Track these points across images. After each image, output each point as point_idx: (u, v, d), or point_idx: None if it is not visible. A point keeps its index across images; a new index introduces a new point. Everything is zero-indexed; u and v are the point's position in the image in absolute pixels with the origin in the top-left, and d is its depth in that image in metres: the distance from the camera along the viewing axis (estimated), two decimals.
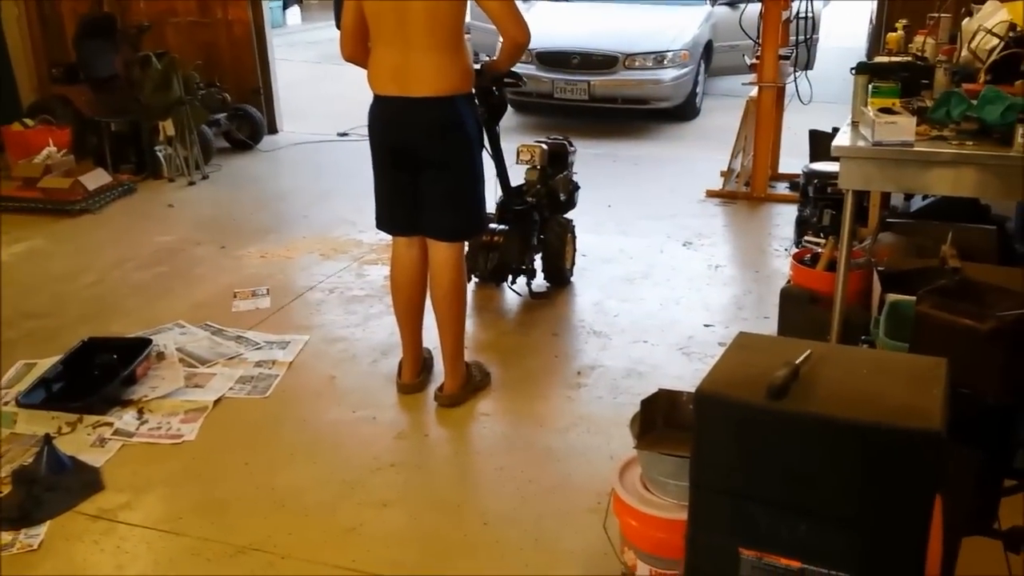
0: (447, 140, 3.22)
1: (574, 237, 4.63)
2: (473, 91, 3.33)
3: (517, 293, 4.43)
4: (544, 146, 4.45)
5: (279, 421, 3.42)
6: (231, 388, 3.62)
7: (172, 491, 3.01)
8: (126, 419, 3.40)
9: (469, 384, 3.53)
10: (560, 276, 4.52)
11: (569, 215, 4.65)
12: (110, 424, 3.36)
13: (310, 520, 2.82)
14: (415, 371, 3.60)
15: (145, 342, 3.82)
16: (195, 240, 5.41)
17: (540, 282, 4.52)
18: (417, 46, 3.11)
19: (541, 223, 4.43)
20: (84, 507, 2.91)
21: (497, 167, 4.21)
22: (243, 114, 7.55)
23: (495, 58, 3.63)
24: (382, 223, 3.49)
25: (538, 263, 4.51)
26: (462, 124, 3.24)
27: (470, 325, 3.95)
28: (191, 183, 6.63)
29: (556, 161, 4.54)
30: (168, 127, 6.56)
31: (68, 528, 2.81)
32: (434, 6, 3.10)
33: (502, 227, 4.30)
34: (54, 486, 2.94)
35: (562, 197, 4.56)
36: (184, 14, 7.72)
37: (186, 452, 3.22)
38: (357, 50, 3.28)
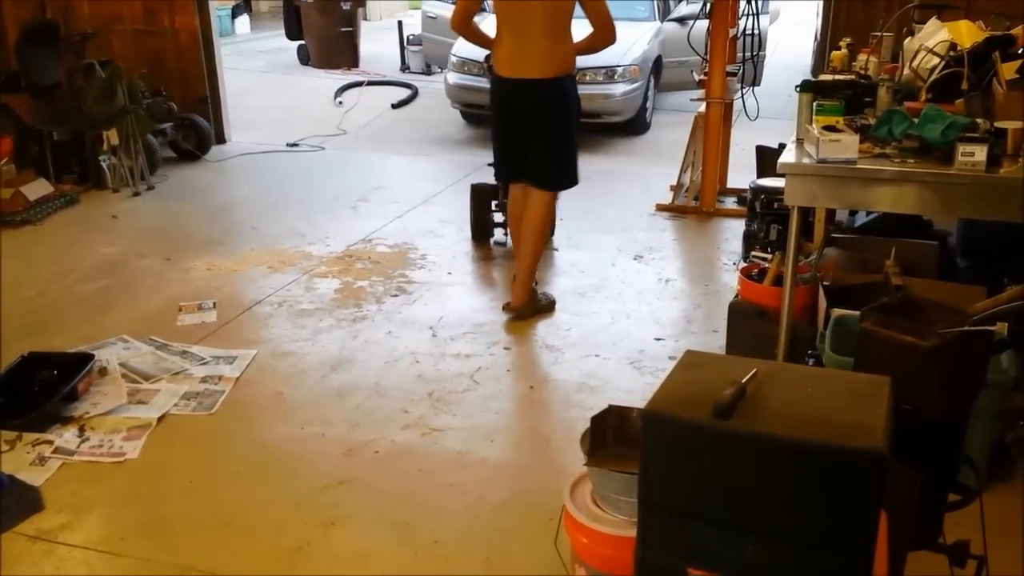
0: (553, 112, 4.08)
1: None
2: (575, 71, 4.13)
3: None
4: None
5: (225, 438, 3.36)
6: (176, 404, 3.56)
7: (114, 511, 2.94)
8: (67, 437, 3.32)
9: (533, 303, 4.33)
10: None
11: None
12: (50, 442, 3.28)
13: (256, 539, 2.77)
14: (523, 292, 4.32)
15: (87, 357, 3.73)
16: (140, 252, 5.31)
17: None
18: (535, 36, 3.94)
19: None
20: (23, 528, 2.83)
21: None
22: (190, 123, 7.45)
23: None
24: (501, 176, 4.47)
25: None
26: (566, 99, 4.10)
27: (425, 351, 3.92)
28: (136, 194, 6.51)
29: None
30: (112, 136, 6.44)
31: (6, 550, 2.73)
32: (552, 6, 3.92)
33: None
34: None
35: None
36: (129, 21, 7.58)
37: (129, 470, 3.15)
38: (465, 25, 4.19)
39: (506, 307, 4.33)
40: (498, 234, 5.45)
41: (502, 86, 4.12)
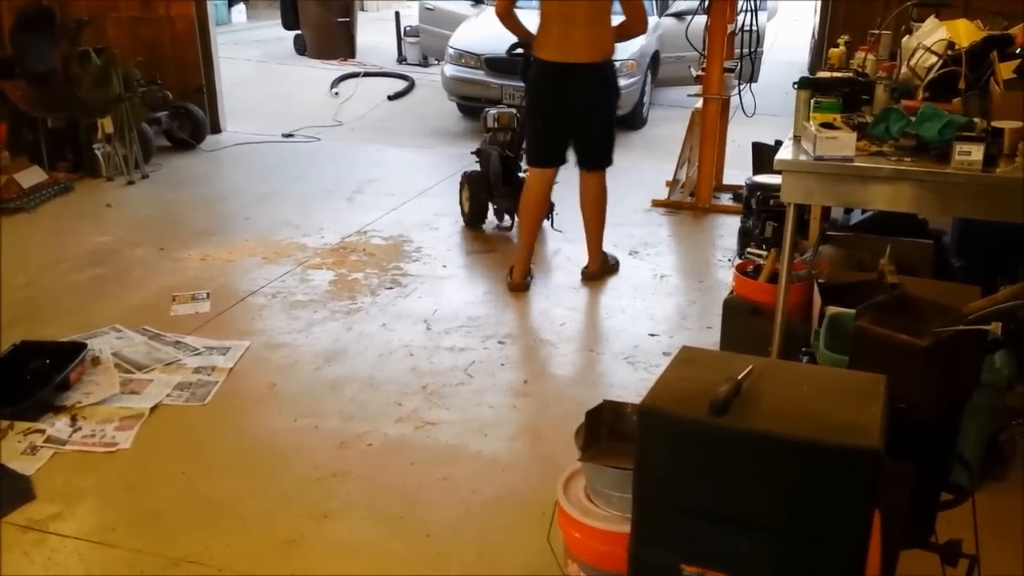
0: (601, 94, 4.42)
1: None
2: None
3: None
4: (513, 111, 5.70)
5: (218, 429, 3.35)
6: (168, 395, 3.55)
7: (106, 501, 2.93)
8: (59, 426, 3.30)
9: (605, 266, 4.81)
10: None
11: None
12: (42, 431, 3.27)
13: (248, 532, 2.77)
14: (524, 273, 4.64)
15: (79, 346, 3.72)
16: (133, 241, 5.29)
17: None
18: (581, 23, 4.23)
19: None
20: (14, 517, 2.82)
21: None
22: (185, 112, 7.42)
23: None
24: (535, 160, 4.60)
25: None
26: (611, 81, 4.46)
27: (420, 344, 3.91)
28: (130, 182, 6.49)
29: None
30: (107, 124, 6.41)
31: None
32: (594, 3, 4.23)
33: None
34: None
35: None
36: (125, 9, 7.55)
37: (121, 461, 3.14)
38: (510, 11, 4.43)
39: (584, 272, 4.78)
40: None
41: (549, 71, 4.34)
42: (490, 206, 5.58)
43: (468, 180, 5.61)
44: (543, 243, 5.26)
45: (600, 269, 4.79)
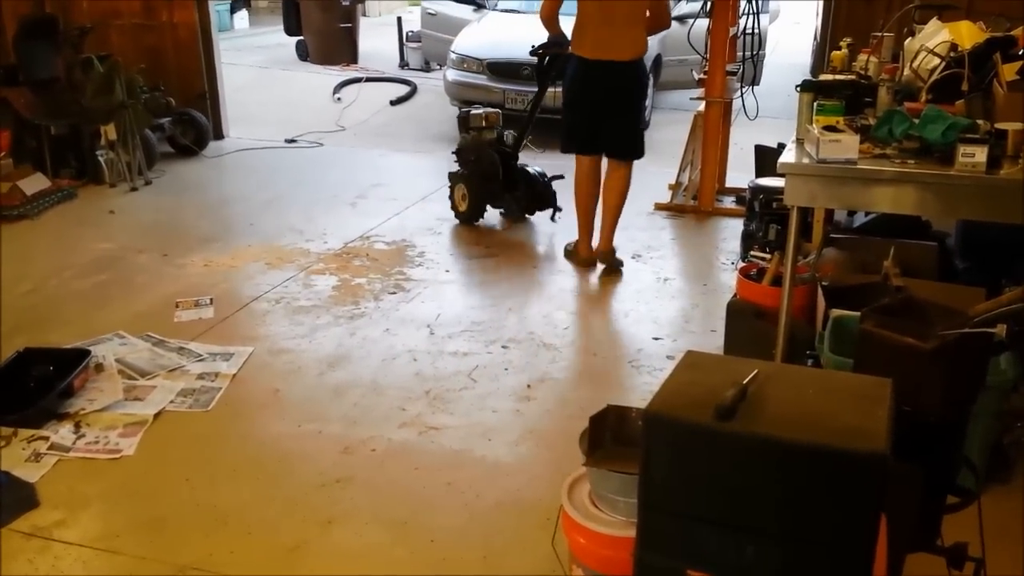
0: (635, 89, 4.79)
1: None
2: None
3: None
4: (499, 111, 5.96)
5: (222, 436, 3.35)
6: (172, 401, 3.54)
7: (109, 508, 2.93)
8: (62, 433, 3.30)
9: (616, 256, 4.97)
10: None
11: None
12: (46, 438, 3.27)
13: (252, 538, 2.76)
14: (590, 246, 4.98)
15: (83, 353, 3.72)
16: (137, 248, 5.29)
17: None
18: (619, 23, 4.58)
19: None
20: (18, 524, 2.82)
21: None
22: (188, 119, 7.42)
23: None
24: (581, 147, 4.91)
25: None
26: (644, 78, 4.88)
27: (423, 349, 3.91)
28: (133, 189, 6.49)
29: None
30: (110, 131, 6.42)
31: (1, 546, 2.72)
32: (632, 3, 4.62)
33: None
34: None
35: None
36: (128, 16, 7.55)
37: (124, 467, 3.14)
38: (555, 14, 4.81)
39: (595, 252, 5.00)
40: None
41: (590, 68, 4.68)
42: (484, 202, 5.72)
43: (464, 179, 5.68)
44: (548, 246, 5.27)
45: (612, 251, 4.96)
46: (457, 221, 5.74)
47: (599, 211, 4.99)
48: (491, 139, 5.71)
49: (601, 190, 4.96)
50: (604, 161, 4.98)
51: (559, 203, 5.65)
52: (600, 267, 4.97)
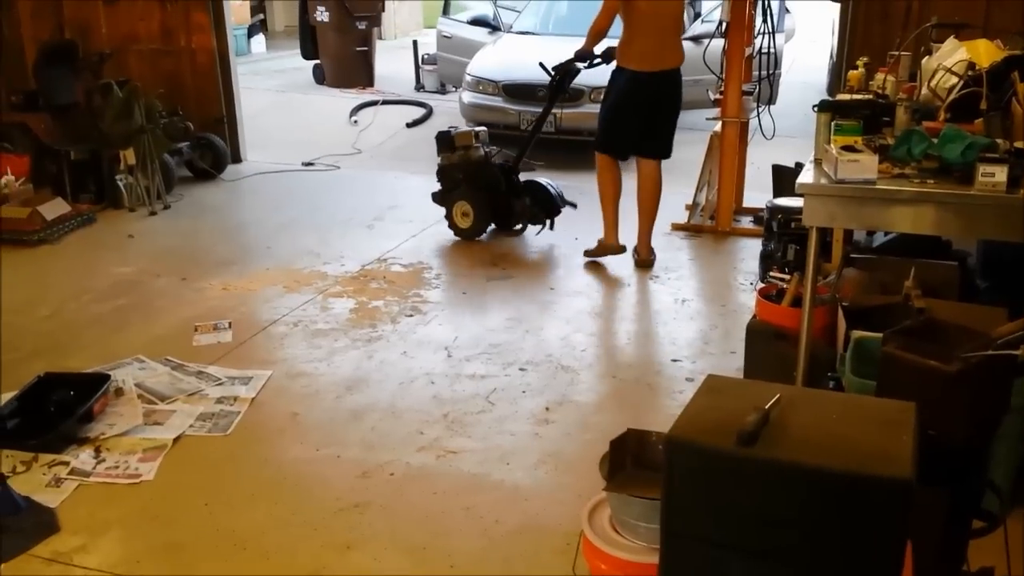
0: (678, 94, 5.15)
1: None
2: None
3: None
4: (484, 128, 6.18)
5: (240, 460, 3.35)
6: (191, 425, 3.55)
7: (129, 533, 2.93)
8: (82, 458, 3.31)
9: (654, 254, 5.36)
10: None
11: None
12: (66, 463, 3.28)
13: (271, 563, 2.76)
14: (616, 236, 5.35)
15: (103, 377, 3.73)
16: (155, 272, 5.33)
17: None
18: (666, 34, 5.00)
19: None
20: (38, 550, 2.83)
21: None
22: (206, 143, 7.47)
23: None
24: (615, 150, 5.27)
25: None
26: (681, 84, 5.17)
27: (441, 372, 3.90)
28: (152, 213, 6.54)
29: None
30: (129, 156, 6.47)
31: (22, 572, 2.73)
32: (674, 6, 5.03)
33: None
34: (7, 528, 2.87)
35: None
36: (147, 42, 7.63)
37: (144, 492, 3.14)
38: (606, 30, 5.04)
39: (636, 260, 5.33)
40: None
41: (642, 79, 5.02)
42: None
43: (466, 198, 5.76)
44: (566, 268, 5.26)
45: (651, 257, 5.33)
46: (458, 238, 5.82)
47: (635, 215, 5.30)
48: (479, 157, 5.84)
49: (638, 195, 5.26)
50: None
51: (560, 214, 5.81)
52: (624, 276, 5.14)
